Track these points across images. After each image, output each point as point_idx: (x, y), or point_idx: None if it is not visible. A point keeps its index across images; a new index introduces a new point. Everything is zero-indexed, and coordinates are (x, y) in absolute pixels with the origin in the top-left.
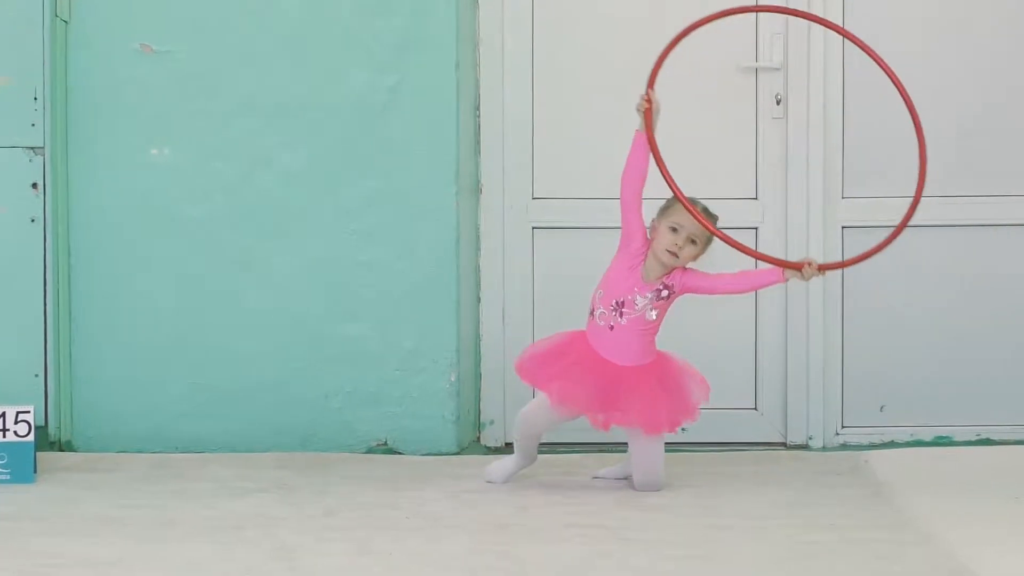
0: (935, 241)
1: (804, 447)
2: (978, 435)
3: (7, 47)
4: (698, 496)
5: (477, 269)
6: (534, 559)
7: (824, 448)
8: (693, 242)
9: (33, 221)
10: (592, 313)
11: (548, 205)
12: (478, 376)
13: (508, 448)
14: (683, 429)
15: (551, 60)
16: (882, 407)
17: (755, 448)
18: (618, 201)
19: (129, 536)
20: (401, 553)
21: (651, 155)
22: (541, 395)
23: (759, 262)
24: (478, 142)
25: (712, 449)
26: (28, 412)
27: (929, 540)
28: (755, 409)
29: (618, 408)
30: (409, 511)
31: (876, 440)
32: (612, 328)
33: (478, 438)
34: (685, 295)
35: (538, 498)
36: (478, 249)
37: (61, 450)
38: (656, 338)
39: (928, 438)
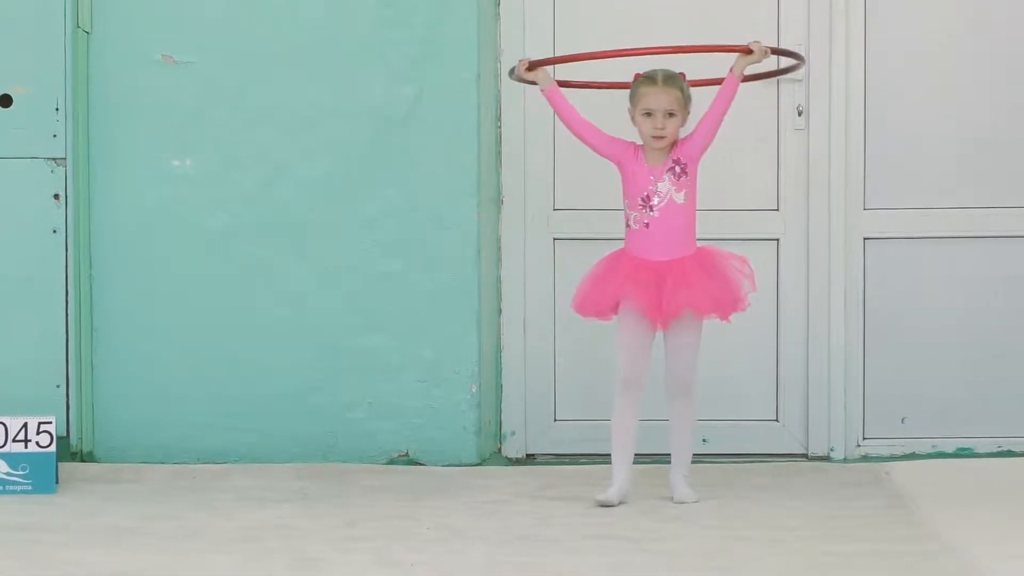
0: (956, 253)
1: (825, 458)
2: (999, 447)
3: (29, 58)
4: (719, 507)
5: (498, 280)
6: (555, 570)
7: (845, 460)
8: (672, 115)
9: (55, 232)
10: (627, 224)
11: (569, 216)
12: (499, 387)
13: (529, 459)
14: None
15: (572, 71)
16: (903, 419)
17: (776, 459)
18: None
19: (150, 547)
20: (422, 564)
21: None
22: (617, 340)
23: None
24: (499, 153)
25: (734, 460)
26: (50, 423)
27: (952, 552)
28: (776, 420)
29: (666, 299)
30: (430, 522)
31: (897, 452)
32: (648, 225)
33: (499, 449)
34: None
35: (559, 509)
36: (499, 260)
37: (83, 460)
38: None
39: (950, 450)
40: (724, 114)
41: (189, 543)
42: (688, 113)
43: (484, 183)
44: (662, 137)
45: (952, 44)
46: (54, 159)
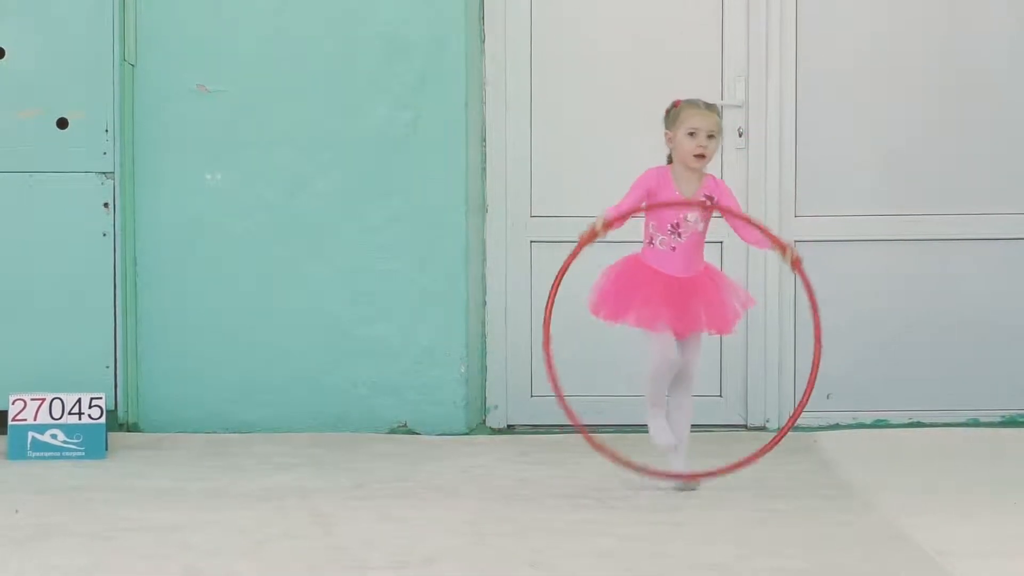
0: (874, 254)
1: (762, 428)
2: (911, 419)
3: (83, 87)
4: None
5: (483, 277)
6: (532, 524)
7: (779, 429)
8: (711, 136)
9: (105, 236)
10: (651, 242)
11: (544, 222)
12: (484, 368)
13: (510, 429)
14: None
15: (546, 98)
16: (829, 395)
17: (721, 429)
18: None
19: (187, 504)
20: (419, 519)
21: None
22: (651, 342)
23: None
24: (484, 169)
25: None
26: (100, 398)
27: (869, 508)
28: (720, 396)
29: (692, 316)
30: (426, 483)
31: (824, 423)
32: (675, 249)
33: (484, 421)
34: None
35: (535, 472)
36: (484, 260)
37: (128, 431)
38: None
39: (868, 421)
40: (742, 239)
41: (219, 501)
42: (720, 142)
43: (471, 194)
44: (703, 156)
45: (871, 75)
46: (104, 173)
